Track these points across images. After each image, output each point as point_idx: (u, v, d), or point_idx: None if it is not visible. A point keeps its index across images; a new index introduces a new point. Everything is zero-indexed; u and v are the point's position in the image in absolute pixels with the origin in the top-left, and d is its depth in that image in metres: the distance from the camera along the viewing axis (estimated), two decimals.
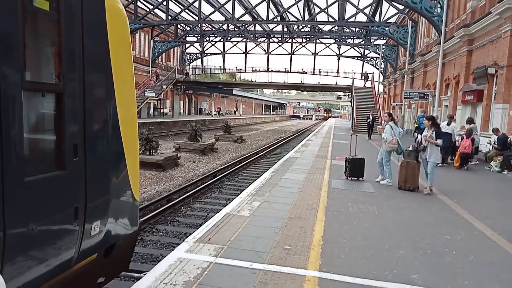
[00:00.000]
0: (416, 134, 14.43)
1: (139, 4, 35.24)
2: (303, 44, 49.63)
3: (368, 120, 23.47)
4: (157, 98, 37.43)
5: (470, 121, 13.48)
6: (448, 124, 12.75)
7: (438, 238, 4.83)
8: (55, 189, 2.42)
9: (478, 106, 17.91)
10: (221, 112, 59.21)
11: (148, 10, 35.83)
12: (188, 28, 46.23)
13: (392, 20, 34.73)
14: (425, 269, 3.80)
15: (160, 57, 43.39)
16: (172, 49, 46.36)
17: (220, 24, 43.62)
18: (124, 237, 3.25)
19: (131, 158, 3.22)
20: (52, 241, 2.43)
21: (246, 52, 51.22)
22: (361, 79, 42.95)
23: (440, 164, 7.94)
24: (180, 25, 44.40)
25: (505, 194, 8.36)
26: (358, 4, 29.64)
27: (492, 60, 15.87)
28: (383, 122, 13.93)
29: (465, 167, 11.73)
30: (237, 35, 47.23)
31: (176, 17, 36.84)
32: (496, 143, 12.24)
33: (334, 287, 3.30)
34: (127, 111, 3.16)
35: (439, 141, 7.59)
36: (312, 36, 46.23)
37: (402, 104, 30.09)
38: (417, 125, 18.79)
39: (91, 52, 2.69)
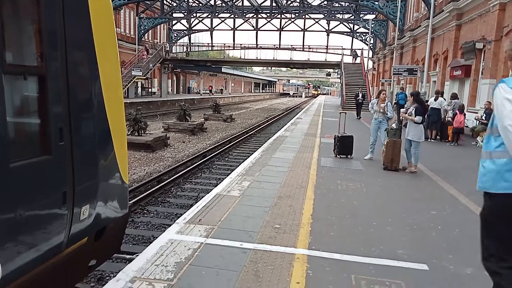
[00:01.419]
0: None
1: None
2: (292, 19, 48.89)
3: (358, 98, 22.09)
4: (145, 77, 36.87)
5: (454, 96, 13.60)
6: (435, 100, 12.87)
7: (425, 214, 4.94)
8: (42, 174, 2.40)
9: (465, 81, 18.04)
10: (212, 91, 58.65)
11: None
12: (175, 4, 45.14)
13: None
14: (411, 245, 3.90)
15: (146, 35, 42.47)
16: (158, 26, 45.37)
17: (207, 0, 42.67)
18: (114, 220, 3.26)
19: (119, 140, 3.19)
20: (41, 226, 2.42)
21: (234, 29, 50.36)
22: (351, 55, 42.68)
23: (423, 140, 7.84)
24: (166, 1, 43.32)
25: None
26: None
27: (480, 35, 15.89)
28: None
29: (456, 143, 11.93)
30: (225, 11, 46.27)
31: None
32: (485, 117, 12.41)
33: (322, 264, 3.37)
34: (112, 92, 3.10)
35: (417, 118, 7.35)
36: (301, 12, 45.51)
37: (391, 80, 30.14)
38: (396, 101, 18.92)
39: (73, 32, 2.61)
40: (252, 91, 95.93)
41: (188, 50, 50.55)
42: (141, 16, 40.55)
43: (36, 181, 2.35)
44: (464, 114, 12.17)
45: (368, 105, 10.56)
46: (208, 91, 57.20)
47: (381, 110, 8.44)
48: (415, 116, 7.40)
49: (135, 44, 39.23)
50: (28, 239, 2.32)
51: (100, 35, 2.87)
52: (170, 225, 4.38)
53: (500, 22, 14.16)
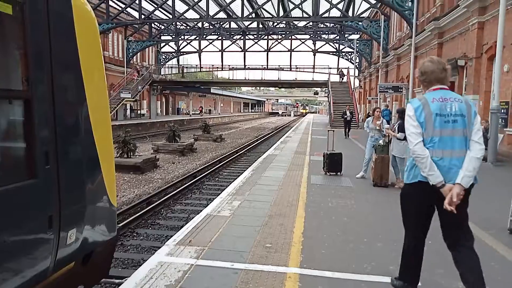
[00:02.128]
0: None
1: (110, 3, 34.51)
2: (279, 40, 49.87)
3: (345, 116, 20.78)
4: (133, 99, 36.89)
5: None
6: None
7: None
8: (27, 198, 2.36)
9: None
10: (203, 111, 58.81)
11: (120, 9, 35.15)
12: (163, 27, 45.69)
13: (365, 14, 35.30)
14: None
15: (134, 57, 42.73)
16: (147, 49, 45.75)
17: (195, 22, 43.33)
18: (102, 243, 3.20)
19: (106, 163, 3.16)
20: (26, 252, 2.37)
21: (222, 50, 51.03)
22: (337, 74, 43.40)
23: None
24: (154, 24, 43.84)
25: (479, 182, 8.64)
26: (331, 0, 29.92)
27: (461, 52, 16.36)
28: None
29: None
30: (212, 33, 47.03)
31: (150, 16, 36.32)
32: None
33: (314, 282, 3.34)
34: (99, 114, 3.10)
35: (399, 134, 7.36)
36: (288, 33, 46.49)
37: (377, 98, 30.65)
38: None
39: (59, 55, 2.62)
40: (241, 111, 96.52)
41: (183, 71, 50.72)
42: (129, 39, 40.90)
43: (20, 205, 2.31)
44: None
45: (357, 123, 10.65)
46: (199, 111, 57.36)
47: (377, 128, 8.42)
48: (398, 133, 7.49)
49: (124, 67, 39.38)
50: (12, 265, 2.26)
51: (87, 58, 2.89)
52: (160, 247, 4.31)
53: (480, 39, 14.63)
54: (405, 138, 7.67)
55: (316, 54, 50.19)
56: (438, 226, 4.95)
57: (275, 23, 45.27)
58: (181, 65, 52.64)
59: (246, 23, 45.57)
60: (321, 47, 50.20)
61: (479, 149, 2.77)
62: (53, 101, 2.56)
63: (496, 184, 8.42)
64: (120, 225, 6.52)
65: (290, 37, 48.10)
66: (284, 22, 43.39)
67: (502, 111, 12.16)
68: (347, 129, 20.82)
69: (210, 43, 50.28)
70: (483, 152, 2.83)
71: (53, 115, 2.56)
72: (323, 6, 39.15)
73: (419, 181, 2.87)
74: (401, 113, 8.06)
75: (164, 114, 52.23)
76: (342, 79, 40.16)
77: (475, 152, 2.76)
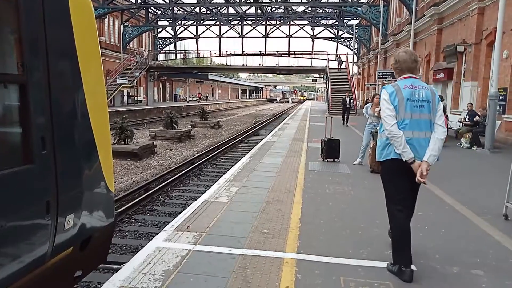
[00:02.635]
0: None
1: None
2: (277, 26, 49.32)
3: (345, 103, 20.40)
4: (130, 85, 36.67)
5: (441, 98, 13.83)
6: None
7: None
8: (24, 184, 2.35)
9: (448, 84, 18.39)
10: (202, 98, 58.55)
11: None
12: (159, 12, 45.08)
13: (364, 0, 34.88)
14: None
15: (131, 43, 42.27)
16: (143, 34, 45.22)
17: (192, 7, 42.78)
18: (100, 229, 3.21)
19: (103, 149, 3.15)
20: (24, 237, 2.37)
21: (220, 36, 50.51)
22: (335, 60, 43.10)
23: None
24: (151, 9, 43.25)
25: (474, 169, 8.70)
26: None
27: (461, 39, 16.25)
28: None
29: None
30: (210, 18, 46.42)
31: (146, 1, 35.83)
32: (468, 119, 12.64)
33: (311, 267, 3.37)
34: (96, 100, 3.07)
35: None
36: (286, 18, 45.96)
37: (376, 84, 30.55)
38: None
39: (55, 40, 2.58)
40: (239, 98, 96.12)
41: (185, 57, 50.12)
42: (125, 24, 40.37)
43: (18, 190, 2.30)
44: (447, 116, 12.39)
45: (355, 110, 10.60)
46: (198, 98, 57.08)
47: (375, 114, 8.33)
48: None
49: (120, 53, 38.99)
50: (10, 250, 2.26)
51: (83, 43, 2.85)
52: (158, 233, 4.33)
53: (480, 25, 14.52)
54: None
55: (315, 40, 49.76)
56: (431, 214, 5.00)
57: (274, 8, 44.76)
58: (181, 51, 52.12)
59: (244, 8, 45.02)
60: (319, 33, 49.76)
61: (443, 132, 3.20)
62: (49, 86, 2.53)
63: (492, 171, 8.47)
64: (118, 211, 6.55)
65: (288, 23, 47.58)
66: (283, 7, 42.91)
67: (500, 97, 12.15)
68: (345, 117, 20.10)
69: (208, 28, 49.71)
70: (446, 134, 3.27)
71: (49, 101, 2.53)
72: None
73: (392, 158, 3.23)
74: None
75: (162, 100, 51.97)
76: (340, 65, 39.89)
77: (439, 134, 3.19)
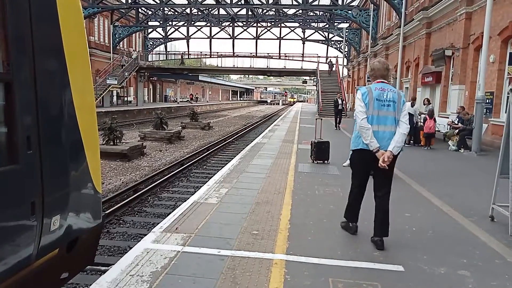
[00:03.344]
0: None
1: None
2: (268, 28, 49.48)
3: (337, 104, 19.08)
4: (120, 86, 36.33)
5: (428, 101, 14.04)
6: (412, 106, 13.24)
7: (399, 216, 5.04)
8: (8, 184, 2.31)
9: (436, 87, 18.63)
10: (193, 99, 58.33)
11: None
12: (150, 12, 44.83)
13: (355, 3, 35.19)
14: (387, 246, 3.95)
15: (121, 43, 41.94)
16: (134, 35, 44.93)
17: (183, 8, 42.64)
18: (87, 230, 3.16)
19: (91, 149, 3.11)
20: (8, 238, 2.32)
21: (210, 37, 50.46)
22: (326, 63, 43.27)
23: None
24: (141, 9, 43.00)
25: (461, 171, 8.82)
26: None
27: (449, 43, 16.48)
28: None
29: (429, 147, 12.28)
30: (201, 19, 46.33)
31: (137, 1, 35.59)
32: (458, 122, 12.79)
33: (300, 268, 3.37)
34: (83, 99, 3.03)
35: None
36: (277, 20, 46.14)
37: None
38: None
39: (41, 38, 2.54)
40: (230, 99, 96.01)
41: (182, 58, 49.80)
42: (115, 24, 40.06)
43: (2, 191, 2.26)
44: (434, 119, 12.57)
45: (345, 112, 10.60)
46: (189, 99, 56.82)
47: None
48: None
49: (110, 53, 38.66)
50: None
51: (70, 41, 2.81)
52: (146, 235, 4.29)
53: (467, 30, 14.74)
54: None
55: (306, 42, 50.05)
56: (419, 216, 5.06)
57: (265, 11, 44.84)
58: (172, 51, 51.84)
59: (235, 10, 45.05)
60: (310, 35, 50.03)
61: (405, 127, 3.83)
62: (35, 85, 2.49)
63: (479, 173, 8.59)
64: (106, 212, 6.48)
65: (279, 25, 47.77)
66: (274, 9, 43.01)
67: (487, 101, 12.34)
68: (338, 119, 18.86)
69: (199, 29, 49.66)
70: (408, 130, 3.89)
71: (35, 99, 2.49)
72: None
73: (361, 148, 3.91)
74: None
75: (152, 101, 51.65)
76: (331, 69, 39.97)
77: (403, 129, 3.81)
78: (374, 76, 4.02)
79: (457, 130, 12.34)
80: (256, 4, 38.70)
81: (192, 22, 45.91)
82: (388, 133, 3.79)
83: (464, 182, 7.55)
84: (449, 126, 13.60)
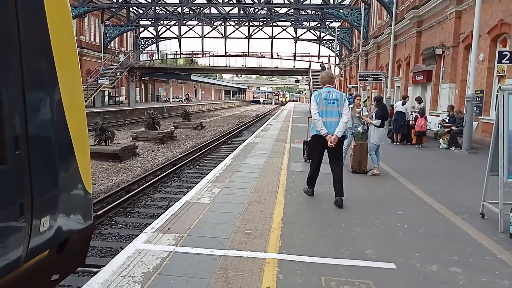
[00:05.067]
0: None
1: None
2: (260, 27, 49.44)
3: None
4: (111, 86, 36.04)
5: (419, 100, 14.12)
6: (403, 104, 13.32)
7: (391, 214, 5.07)
8: None
9: (427, 86, 18.76)
10: (189, 98, 58.22)
11: None
12: (141, 11, 44.53)
13: (346, 2, 35.31)
14: (379, 244, 3.97)
15: (112, 43, 41.62)
16: (125, 34, 44.58)
17: (175, 7, 42.43)
18: (77, 231, 3.13)
19: (81, 149, 3.07)
20: None
21: (202, 36, 50.30)
22: (318, 62, 43.38)
23: (381, 143, 8.04)
24: (132, 8, 42.71)
25: (452, 169, 8.89)
26: None
27: (439, 41, 16.61)
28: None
29: (420, 145, 12.37)
30: (192, 19, 46.14)
31: (128, 0, 35.34)
32: (449, 121, 12.89)
33: (293, 267, 3.37)
34: (73, 99, 2.99)
35: (375, 122, 7.78)
36: (269, 19, 46.12)
37: (357, 86, 30.92)
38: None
39: (29, 36, 2.50)
40: (222, 99, 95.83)
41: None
42: (106, 23, 39.74)
43: None
44: (425, 118, 12.66)
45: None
46: (185, 98, 56.63)
47: (356, 115, 8.41)
48: (374, 120, 7.77)
49: (101, 52, 38.34)
50: None
51: (58, 40, 2.77)
52: (138, 235, 4.26)
53: (457, 28, 14.87)
54: (381, 125, 7.85)
55: (298, 41, 50.09)
56: (410, 213, 5.11)
57: (256, 10, 44.81)
58: (164, 51, 51.56)
59: (227, 9, 44.93)
60: (302, 34, 50.07)
61: (346, 118, 5.39)
62: (23, 84, 2.45)
63: (470, 171, 8.67)
64: (98, 213, 6.43)
65: (271, 24, 47.74)
66: (265, 8, 43.00)
67: (477, 99, 12.45)
68: None
69: (190, 29, 49.43)
70: (348, 119, 5.51)
71: (23, 99, 2.46)
72: None
73: (315, 134, 5.46)
74: (378, 101, 8.18)
75: (144, 101, 51.34)
76: (323, 70, 40.09)
77: (344, 119, 5.35)
78: (323, 83, 5.70)
79: (447, 129, 12.46)
80: (248, 3, 38.66)
81: (184, 21, 45.68)
82: (334, 123, 5.32)
83: (455, 180, 7.62)
84: (440, 125, 13.70)
